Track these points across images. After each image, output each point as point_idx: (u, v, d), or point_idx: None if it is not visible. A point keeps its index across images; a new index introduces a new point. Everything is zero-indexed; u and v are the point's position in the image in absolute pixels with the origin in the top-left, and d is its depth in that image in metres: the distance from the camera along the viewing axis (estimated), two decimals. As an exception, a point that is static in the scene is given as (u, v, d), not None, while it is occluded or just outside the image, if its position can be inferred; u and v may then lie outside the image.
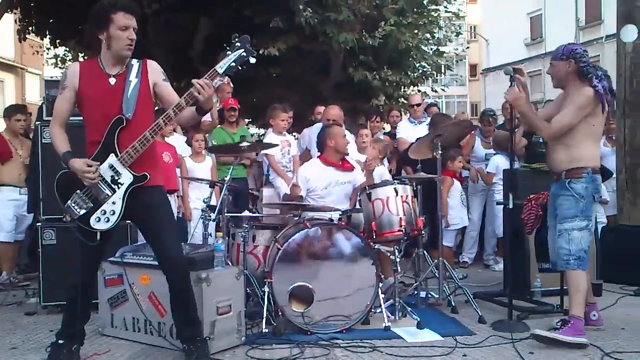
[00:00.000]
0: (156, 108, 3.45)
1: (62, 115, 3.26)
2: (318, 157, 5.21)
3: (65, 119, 3.27)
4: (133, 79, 3.23)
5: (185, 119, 3.38)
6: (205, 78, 3.10)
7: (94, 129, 3.22)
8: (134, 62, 3.29)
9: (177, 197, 5.88)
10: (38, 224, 4.60)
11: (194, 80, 3.09)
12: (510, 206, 4.13)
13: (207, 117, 7.47)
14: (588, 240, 3.84)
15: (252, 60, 3.15)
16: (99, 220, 3.15)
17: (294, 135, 8.87)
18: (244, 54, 3.12)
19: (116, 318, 3.97)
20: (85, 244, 3.17)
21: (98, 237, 3.17)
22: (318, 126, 6.24)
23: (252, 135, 12.01)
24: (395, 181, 4.63)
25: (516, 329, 3.97)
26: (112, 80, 3.22)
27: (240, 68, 3.14)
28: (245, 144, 4.62)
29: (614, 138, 6.62)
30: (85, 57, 13.03)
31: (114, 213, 3.15)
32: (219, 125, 6.59)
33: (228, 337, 3.68)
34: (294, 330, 3.96)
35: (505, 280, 5.29)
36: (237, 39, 3.15)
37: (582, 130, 3.83)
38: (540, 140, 4.20)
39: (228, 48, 3.13)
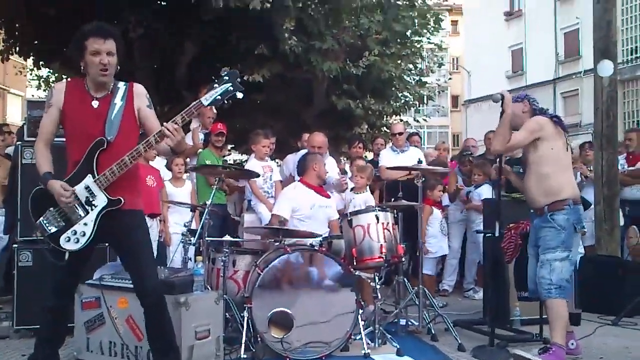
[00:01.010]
0: (141, 132, 3.44)
1: (47, 134, 3.24)
2: (299, 180, 5.23)
3: (51, 138, 3.24)
4: (118, 101, 3.22)
5: (162, 150, 3.36)
6: (187, 110, 3.09)
7: (75, 149, 3.20)
8: (121, 84, 3.28)
9: (160, 221, 5.83)
10: (14, 245, 4.54)
11: (163, 126, 3.07)
12: (497, 234, 4.17)
13: (188, 141, 7.50)
14: (569, 270, 3.95)
15: (240, 95, 3.14)
16: (69, 240, 3.11)
17: (277, 162, 8.88)
18: (231, 88, 3.11)
19: (92, 342, 3.89)
20: (57, 265, 3.13)
21: (66, 256, 3.12)
22: (302, 153, 6.27)
23: (234, 161, 12.03)
24: (377, 208, 4.65)
25: (498, 357, 3.96)
26: (95, 104, 3.20)
27: (225, 102, 3.13)
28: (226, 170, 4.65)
29: (591, 169, 6.73)
30: (69, 79, 13.01)
31: (84, 235, 3.11)
32: (206, 149, 6.60)
33: (206, 362, 3.63)
34: (273, 356, 3.93)
35: (485, 309, 5.31)
36: (225, 73, 3.13)
37: (548, 158, 3.97)
38: (521, 170, 4.29)
39: (216, 80, 3.13)
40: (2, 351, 4.18)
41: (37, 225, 3.16)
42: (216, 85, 3.12)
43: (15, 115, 24.09)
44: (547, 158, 3.97)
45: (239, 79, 3.15)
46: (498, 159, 4.27)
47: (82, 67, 3.19)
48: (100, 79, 3.16)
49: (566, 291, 3.91)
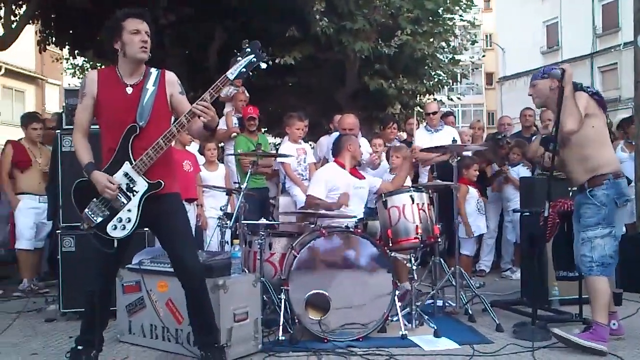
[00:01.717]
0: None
1: (83, 124, 3.30)
2: (334, 161, 5.22)
3: (87, 128, 3.31)
4: (150, 87, 3.27)
5: (196, 131, 3.38)
6: (215, 86, 3.13)
7: (110, 137, 3.26)
8: (153, 70, 3.33)
9: (197, 205, 5.92)
10: (58, 231, 4.66)
11: (193, 106, 3.13)
12: (546, 214, 4.05)
13: (222, 125, 7.56)
14: (612, 246, 3.83)
15: (263, 65, 3.19)
16: (116, 228, 3.18)
17: (310, 144, 8.89)
18: (254, 59, 3.15)
19: (134, 324, 3.99)
20: (102, 251, 3.21)
21: (115, 244, 3.20)
22: (335, 135, 6.26)
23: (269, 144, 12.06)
24: (412, 189, 4.62)
25: (537, 337, 3.92)
26: (129, 90, 3.26)
27: (251, 73, 3.18)
28: (260, 152, 4.68)
29: (633, 144, 6.56)
30: (103, 67, 13.22)
31: (129, 221, 3.18)
32: (241, 134, 6.64)
33: (245, 344, 3.69)
34: (311, 338, 3.96)
35: (522, 289, 5.25)
36: (247, 45, 3.18)
37: (588, 137, 3.84)
38: (557, 148, 4.17)
39: (239, 54, 3.16)
40: (49, 333, 4.31)
41: (83, 217, 3.23)
42: (239, 58, 3.17)
43: (53, 104, 24.62)
44: (588, 138, 3.84)
45: (260, 49, 3.17)
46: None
47: (117, 50, 3.24)
48: (141, 55, 3.22)
49: (609, 268, 3.82)
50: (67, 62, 15.68)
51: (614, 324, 3.98)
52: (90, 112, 3.29)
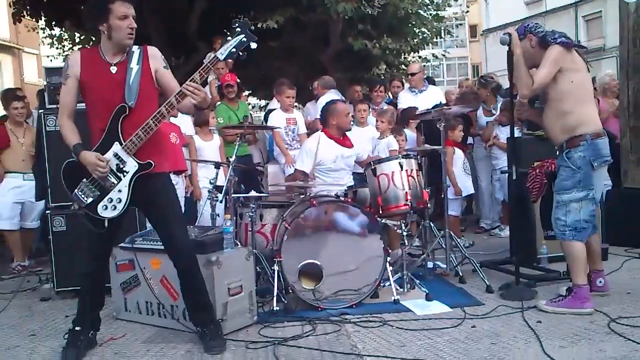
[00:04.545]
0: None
1: (69, 107, 3.27)
2: (322, 130, 5.21)
3: (72, 110, 3.28)
4: (134, 65, 3.24)
5: (185, 107, 3.36)
6: (205, 66, 3.12)
7: (97, 117, 3.24)
8: (135, 48, 3.29)
9: (185, 177, 5.90)
10: (47, 211, 4.65)
11: (183, 86, 3.11)
12: (514, 177, 4.12)
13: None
14: (588, 210, 3.79)
15: (253, 45, 3.17)
16: (106, 208, 3.19)
17: (297, 106, 8.84)
18: (245, 39, 3.15)
19: (129, 302, 4.03)
20: (94, 232, 3.22)
21: (106, 224, 3.21)
22: (321, 101, 6.22)
23: (252, 106, 11.95)
24: (400, 155, 4.63)
25: (525, 296, 4.01)
26: (114, 69, 3.22)
27: (241, 53, 3.15)
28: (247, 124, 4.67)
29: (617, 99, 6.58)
30: (82, 37, 12.94)
31: (120, 201, 3.19)
32: (221, 102, 6.58)
33: (240, 317, 3.75)
34: (305, 307, 4.03)
35: (511, 248, 5.34)
36: (237, 24, 3.15)
37: (565, 92, 3.75)
38: (541, 105, 4.13)
39: (228, 33, 3.14)
40: (46, 313, 4.35)
41: (73, 198, 3.23)
42: (229, 38, 3.17)
43: (31, 74, 24.19)
44: (567, 93, 3.75)
45: (250, 29, 3.17)
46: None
47: (101, 31, 3.19)
48: (127, 42, 3.20)
49: (583, 233, 3.77)
50: (43, 32, 15.33)
51: (600, 282, 4.07)
52: (74, 93, 3.26)
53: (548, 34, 3.87)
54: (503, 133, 6.54)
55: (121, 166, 3.19)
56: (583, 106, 3.82)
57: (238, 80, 6.63)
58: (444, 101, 7.21)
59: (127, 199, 3.19)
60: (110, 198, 3.19)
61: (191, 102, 3.17)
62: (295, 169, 5.16)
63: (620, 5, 6.31)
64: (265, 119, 6.68)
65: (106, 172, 3.15)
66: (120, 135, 3.18)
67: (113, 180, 3.19)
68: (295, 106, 7.67)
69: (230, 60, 6.96)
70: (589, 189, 3.78)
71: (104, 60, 3.23)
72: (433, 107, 5.46)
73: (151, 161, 3.21)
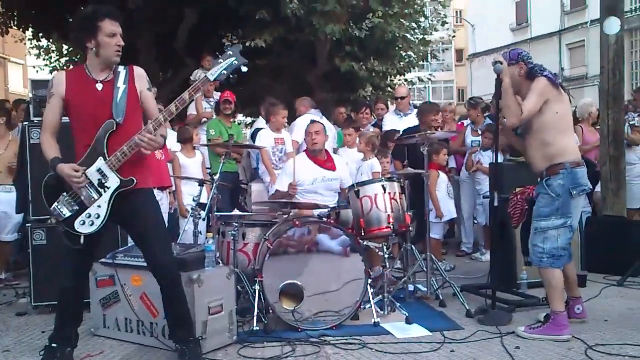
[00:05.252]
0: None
1: (52, 124, 3.28)
2: (304, 151, 5.24)
3: (56, 128, 3.29)
4: (121, 85, 3.27)
5: None
6: (194, 86, 3.19)
7: (83, 134, 3.25)
8: (121, 68, 3.32)
9: (169, 193, 5.89)
10: (27, 224, 4.60)
11: (138, 136, 3.12)
12: (495, 204, 4.17)
13: (192, 110, 7.52)
14: (566, 238, 3.84)
15: (244, 68, 3.24)
16: (84, 223, 3.18)
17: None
18: (236, 62, 3.21)
19: (108, 318, 3.99)
20: (70, 247, 3.20)
21: (81, 240, 3.19)
22: (304, 119, 6.26)
23: (239, 123, 11.98)
24: (383, 178, 4.67)
25: (501, 321, 4.04)
26: (99, 86, 3.24)
27: (231, 76, 3.21)
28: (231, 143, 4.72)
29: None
30: (69, 50, 12.92)
31: (98, 217, 3.18)
32: (216, 117, 6.64)
33: (220, 336, 3.73)
34: (285, 327, 4.01)
35: (491, 273, 5.36)
36: (229, 47, 3.24)
37: (551, 122, 3.82)
38: (519, 132, 4.20)
39: (220, 55, 3.22)
40: (22, 328, 4.28)
41: (51, 211, 3.22)
42: (221, 60, 3.24)
43: (16, 84, 24.00)
44: (550, 123, 3.83)
45: (242, 51, 3.26)
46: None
47: (89, 48, 3.21)
48: (114, 59, 3.24)
49: (560, 260, 3.83)
50: (30, 43, 15.27)
51: (578, 309, 4.11)
52: (58, 112, 3.27)
53: (537, 65, 3.95)
54: (486, 158, 6.62)
55: (103, 181, 3.19)
56: (564, 137, 3.91)
57: (234, 98, 6.68)
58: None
59: (105, 215, 3.18)
60: (88, 213, 3.18)
61: (142, 152, 3.18)
62: (276, 189, 5.18)
63: (601, 37, 6.46)
64: (252, 137, 6.70)
65: (82, 181, 3.14)
66: (106, 151, 3.19)
67: (94, 195, 3.18)
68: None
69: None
70: (567, 217, 3.83)
71: (89, 76, 3.26)
72: (412, 128, 5.54)
73: (133, 178, 3.21)
